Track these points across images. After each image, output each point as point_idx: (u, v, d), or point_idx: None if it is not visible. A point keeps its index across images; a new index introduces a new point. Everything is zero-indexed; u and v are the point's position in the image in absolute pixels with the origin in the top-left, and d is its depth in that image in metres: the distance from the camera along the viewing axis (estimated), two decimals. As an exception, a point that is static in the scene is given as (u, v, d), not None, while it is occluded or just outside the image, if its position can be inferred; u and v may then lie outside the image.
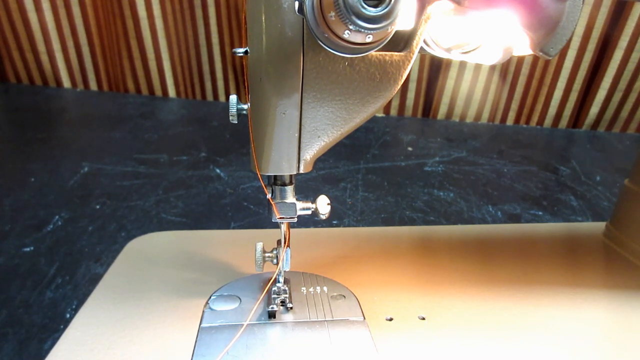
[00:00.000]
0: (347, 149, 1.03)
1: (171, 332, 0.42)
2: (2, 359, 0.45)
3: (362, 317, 0.44)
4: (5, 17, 1.25)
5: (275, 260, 0.43)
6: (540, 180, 0.94)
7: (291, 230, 0.43)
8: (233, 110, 0.37)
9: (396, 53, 0.34)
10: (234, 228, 0.70)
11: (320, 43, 0.28)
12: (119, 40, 1.28)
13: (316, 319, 0.44)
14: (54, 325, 0.49)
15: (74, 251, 0.62)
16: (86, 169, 0.86)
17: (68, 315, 0.51)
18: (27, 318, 0.50)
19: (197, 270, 0.51)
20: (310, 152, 0.37)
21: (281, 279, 0.45)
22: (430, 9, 0.32)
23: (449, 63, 1.25)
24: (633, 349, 0.44)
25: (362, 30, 0.25)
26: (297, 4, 0.29)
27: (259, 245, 0.43)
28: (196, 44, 1.28)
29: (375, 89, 0.35)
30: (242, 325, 0.42)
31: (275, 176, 0.40)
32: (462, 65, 1.25)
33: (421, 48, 0.34)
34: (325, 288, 0.48)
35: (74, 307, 0.52)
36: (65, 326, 0.43)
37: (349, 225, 0.73)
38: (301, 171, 0.38)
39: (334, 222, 0.73)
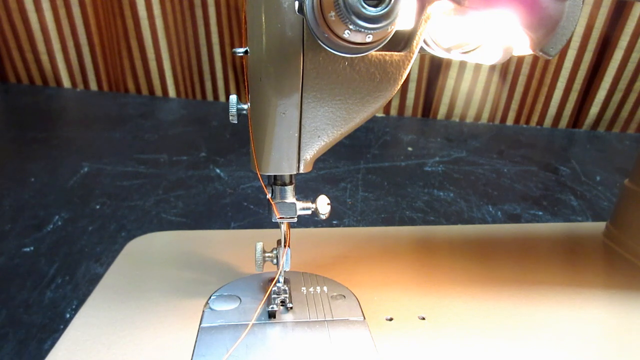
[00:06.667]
0: (347, 149, 1.03)
1: (171, 332, 0.42)
2: (2, 359, 0.45)
3: (362, 317, 0.44)
4: (5, 17, 1.25)
5: (275, 260, 0.43)
6: (540, 180, 0.94)
7: (291, 230, 0.43)
8: (233, 110, 0.37)
9: (396, 53, 0.34)
10: (234, 228, 0.70)
11: (320, 43, 0.28)
12: (119, 40, 1.28)
13: (316, 319, 0.44)
14: (54, 325, 0.49)
15: (74, 251, 0.62)
16: (86, 169, 0.86)
17: (68, 315, 0.51)
18: (27, 318, 0.50)
19: (197, 270, 0.51)
20: (310, 152, 0.37)
21: (281, 279, 0.45)
22: (430, 9, 0.32)
23: (449, 63, 1.24)
24: (633, 349, 0.43)
25: (362, 30, 0.25)
26: (297, 4, 0.29)
27: (259, 245, 0.43)
28: (196, 44, 1.28)
29: (375, 89, 0.35)
30: (241, 324, 0.42)
31: (275, 176, 0.40)
32: (462, 65, 1.24)
33: (421, 48, 0.34)
34: (325, 288, 0.48)
35: (74, 307, 0.52)
36: (65, 326, 0.43)
37: (349, 225, 0.73)
38: (301, 171, 0.38)
39: (334, 222, 0.73)
